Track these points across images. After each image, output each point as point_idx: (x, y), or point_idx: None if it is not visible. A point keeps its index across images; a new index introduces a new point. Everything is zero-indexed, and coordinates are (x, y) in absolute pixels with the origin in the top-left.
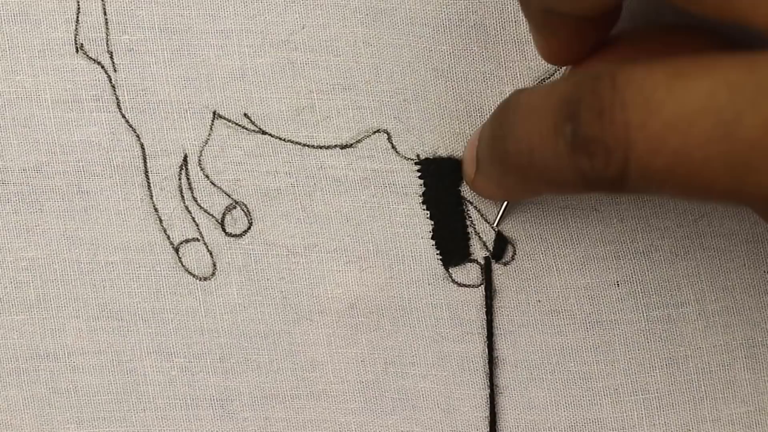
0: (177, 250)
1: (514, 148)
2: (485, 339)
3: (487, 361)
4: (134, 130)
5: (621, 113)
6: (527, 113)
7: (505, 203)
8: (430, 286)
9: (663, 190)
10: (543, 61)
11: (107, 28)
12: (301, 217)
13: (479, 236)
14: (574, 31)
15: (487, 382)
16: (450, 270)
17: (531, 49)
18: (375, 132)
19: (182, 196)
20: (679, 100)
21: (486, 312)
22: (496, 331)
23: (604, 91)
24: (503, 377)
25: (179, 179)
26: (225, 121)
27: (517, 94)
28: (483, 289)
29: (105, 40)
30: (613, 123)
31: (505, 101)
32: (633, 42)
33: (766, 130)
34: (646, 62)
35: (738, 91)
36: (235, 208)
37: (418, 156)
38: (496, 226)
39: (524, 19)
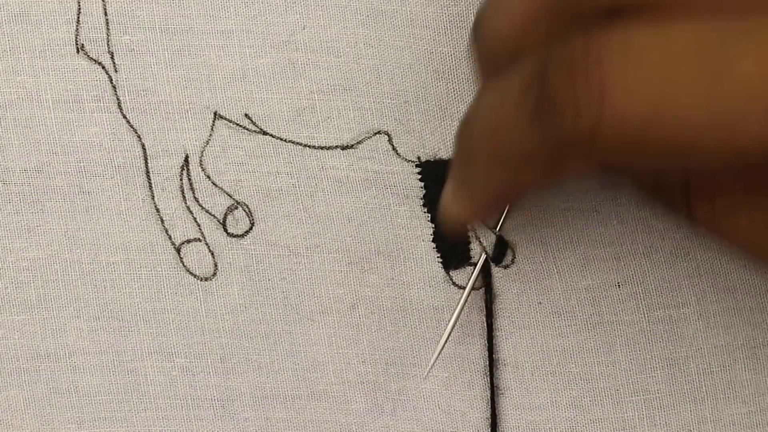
0: (178, 251)
1: (478, 130)
2: (486, 341)
3: (487, 362)
4: (135, 131)
5: (596, 64)
6: (491, 91)
7: (506, 208)
8: (431, 288)
9: (639, 148)
10: None
11: (108, 29)
12: (303, 218)
13: (479, 240)
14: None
15: (488, 383)
16: (450, 273)
17: None
18: (376, 133)
19: (183, 197)
20: (663, 43)
21: (486, 315)
22: (497, 333)
23: (576, 45)
24: (504, 378)
25: (180, 180)
26: (226, 122)
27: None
28: (483, 291)
29: (106, 41)
30: (586, 75)
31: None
32: None
33: (762, 76)
34: (624, 17)
35: (729, 34)
36: (236, 208)
37: (418, 158)
38: (497, 230)
39: None
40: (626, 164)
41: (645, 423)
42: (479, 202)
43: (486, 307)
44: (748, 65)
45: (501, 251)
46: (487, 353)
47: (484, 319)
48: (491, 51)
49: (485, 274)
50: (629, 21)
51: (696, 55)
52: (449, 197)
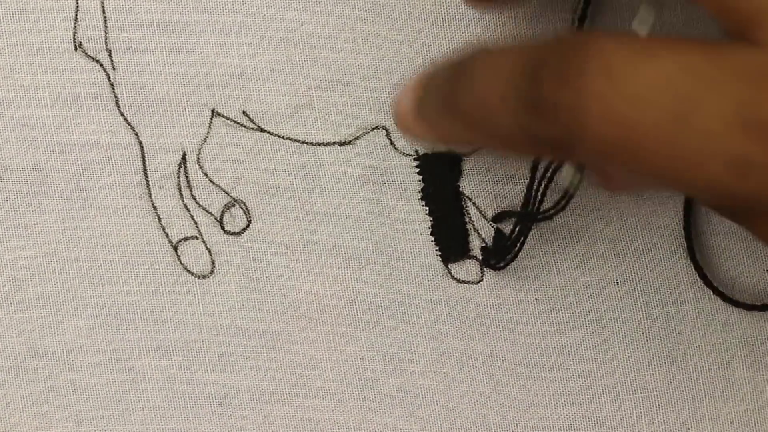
0: (176, 248)
1: (468, 102)
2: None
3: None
4: (133, 129)
5: (580, 78)
6: (487, 67)
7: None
8: (429, 283)
9: (612, 162)
10: None
11: (106, 26)
12: (300, 215)
13: (478, 233)
14: None
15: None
16: (449, 266)
17: None
18: (374, 128)
19: (181, 194)
20: (641, 77)
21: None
22: (494, 329)
23: (569, 54)
24: (501, 375)
25: (178, 177)
26: (223, 119)
27: (479, 48)
28: (482, 286)
29: (104, 39)
30: (570, 87)
31: (465, 53)
32: None
33: (721, 122)
34: (619, 35)
35: (699, 78)
36: (233, 206)
37: (416, 151)
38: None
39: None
40: (601, 169)
41: (643, 421)
42: (435, 133)
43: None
44: (708, 117)
45: (500, 245)
46: (485, 348)
47: (483, 313)
48: None
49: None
50: (622, 39)
51: (668, 92)
52: (408, 104)
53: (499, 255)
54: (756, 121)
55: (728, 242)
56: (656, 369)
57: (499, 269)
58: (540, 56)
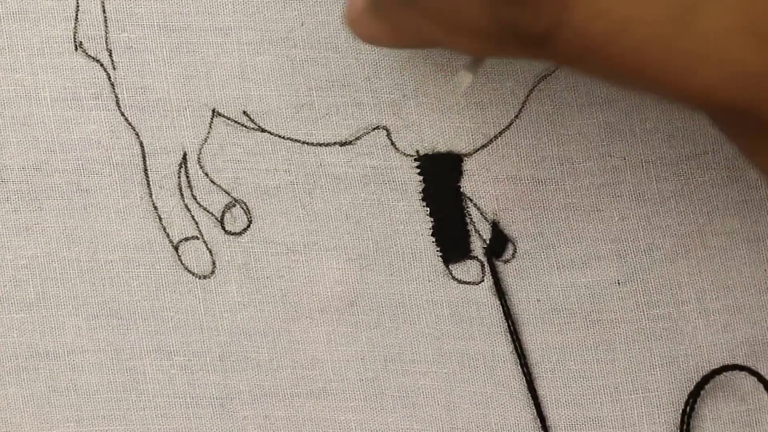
0: (176, 249)
1: None
2: (507, 335)
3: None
4: (133, 128)
5: None
6: None
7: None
8: (431, 283)
9: (591, 62)
10: None
11: (106, 26)
12: (301, 215)
13: (479, 233)
14: None
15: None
16: (450, 267)
17: None
18: (374, 129)
19: (181, 195)
20: None
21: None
22: (495, 329)
23: None
24: (503, 375)
25: (178, 177)
26: (224, 119)
27: None
28: (483, 286)
29: (104, 38)
30: None
31: None
32: None
33: (724, 27)
34: None
35: None
36: (234, 206)
37: (417, 152)
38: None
39: None
40: (572, 68)
41: (644, 421)
42: (392, 31)
43: (501, 304)
44: (710, 21)
45: (501, 245)
46: (486, 349)
47: (484, 313)
48: None
49: (490, 267)
50: None
51: None
52: (362, 16)
53: (499, 251)
54: (761, 30)
55: (730, 242)
56: (657, 369)
57: (504, 261)
58: None
